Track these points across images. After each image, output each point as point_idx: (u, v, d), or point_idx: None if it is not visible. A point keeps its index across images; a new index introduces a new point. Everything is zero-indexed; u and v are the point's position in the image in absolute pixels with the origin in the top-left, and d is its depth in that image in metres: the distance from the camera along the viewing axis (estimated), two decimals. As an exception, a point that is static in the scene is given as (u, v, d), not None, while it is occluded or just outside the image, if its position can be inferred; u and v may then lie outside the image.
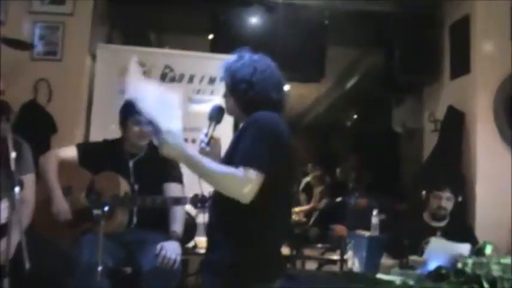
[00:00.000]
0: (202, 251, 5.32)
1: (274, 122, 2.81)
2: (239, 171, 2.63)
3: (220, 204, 2.79)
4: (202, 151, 2.92)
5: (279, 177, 2.75)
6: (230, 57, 3.03)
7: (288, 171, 2.86)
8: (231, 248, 2.75)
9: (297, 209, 9.94)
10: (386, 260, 4.91)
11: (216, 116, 3.03)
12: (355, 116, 13.69)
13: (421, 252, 4.62)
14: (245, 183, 2.63)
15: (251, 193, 2.64)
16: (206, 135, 2.99)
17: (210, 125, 3.01)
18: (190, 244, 5.32)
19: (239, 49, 3.05)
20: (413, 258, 4.57)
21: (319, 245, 8.26)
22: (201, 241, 5.31)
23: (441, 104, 6.95)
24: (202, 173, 2.68)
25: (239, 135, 2.84)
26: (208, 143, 2.96)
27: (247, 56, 3.01)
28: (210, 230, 2.93)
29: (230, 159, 2.78)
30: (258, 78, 2.92)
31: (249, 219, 2.73)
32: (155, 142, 2.85)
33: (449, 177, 5.75)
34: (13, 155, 3.25)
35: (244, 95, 2.92)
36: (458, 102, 6.50)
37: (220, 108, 3.04)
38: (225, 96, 3.03)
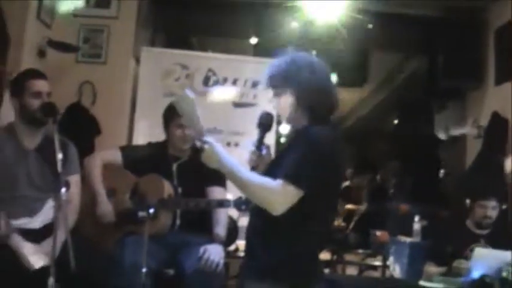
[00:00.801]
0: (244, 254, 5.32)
1: (328, 141, 2.76)
2: (277, 184, 2.64)
3: (261, 210, 2.73)
4: (254, 162, 2.91)
5: (324, 192, 2.72)
6: (280, 58, 2.92)
7: (334, 187, 2.86)
8: (271, 254, 2.74)
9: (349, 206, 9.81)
10: (429, 267, 4.85)
11: (266, 123, 2.99)
12: (396, 121, 13.58)
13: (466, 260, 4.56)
14: (279, 196, 2.64)
15: (284, 207, 2.64)
16: (258, 147, 2.94)
17: (260, 134, 2.99)
18: (232, 247, 5.32)
19: (284, 50, 2.99)
20: (458, 261, 4.53)
21: (360, 251, 8.19)
22: (242, 244, 5.31)
23: (485, 110, 6.87)
24: (238, 181, 2.71)
25: (289, 146, 2.83)
26: (260, 153, 2.92)
27: (299, 56, 2.92)
28: (251, 235, 2.92)
29: (275, 168, 2.77)
30: (313, 78, 2.83)
31: (289, 226, 2.71)
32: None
33: (494, 185, 5.68)
34: (60, 155, 3.28)
35: (299, 95, 2.82)
36: (503, 109, 6.41)
37: (269, 115, 2.99)
38: (276, 98, 2.91)
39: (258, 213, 2.79)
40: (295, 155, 2.69)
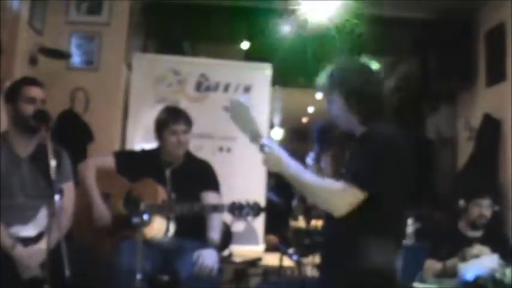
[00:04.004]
0: (238, 259, 5.33)
1: (391, 140, 2.80)
2: (339, 185, 2.67)
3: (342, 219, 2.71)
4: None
5: (394, 193, 2.75)
6: (339, 62, 3.02)
7: (404, 187, 2.84)
8: (353, 262, 2.74)
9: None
10: (431, 264, 4.78)
11: (323, 136, 3.04)
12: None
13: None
14: (341, 197, 2.65)
15: (345, 208, 2.65)
16: (317, 160, 3.01)
17: (319, 148, 3.02)
18: (226, 252, 5.31)
19: (339, 56, 3.05)
20: (451, 262, 4.53)
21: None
22: (236, 249, 5.33)
23: (476, 111, 6.89)
24: (300, 184, 2.75)
25: (357, 150, 2.83)
26: (320, 166, 2.99)
27: (348, 60, 3.05)
28: (333, 245, 2.90)
29: (346, 173, 2.79)
30: (359, 81, 2.88)
31: (366, 230, 2.71)
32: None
33: (487, 186, 5.68)
34: (53, 163, 3.28)
35: (347, 97, 2.87)
36: (494, 110, 6.42)
37: (325, 127, 3.05)
38: (333, 104, 2.96)
39: (338, 222, 2.75)
40: (358, 158, 2.76)
